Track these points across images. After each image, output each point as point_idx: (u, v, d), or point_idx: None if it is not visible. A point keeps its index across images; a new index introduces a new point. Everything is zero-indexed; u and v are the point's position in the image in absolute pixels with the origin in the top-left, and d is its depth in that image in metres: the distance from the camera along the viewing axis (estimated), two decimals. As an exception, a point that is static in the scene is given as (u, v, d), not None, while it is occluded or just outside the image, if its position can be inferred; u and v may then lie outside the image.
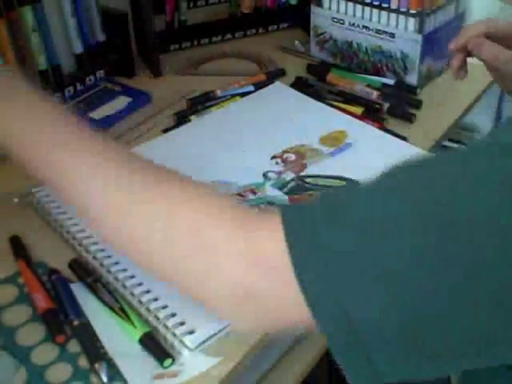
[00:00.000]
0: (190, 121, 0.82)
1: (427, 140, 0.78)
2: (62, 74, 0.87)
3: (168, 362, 0.49)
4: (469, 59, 0.67)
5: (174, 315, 0.53)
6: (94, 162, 0.45)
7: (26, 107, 0.49)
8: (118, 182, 0.44)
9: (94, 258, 0.59)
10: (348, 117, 0.81)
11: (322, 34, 0.95)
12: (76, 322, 0.53)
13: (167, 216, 0.42)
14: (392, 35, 0.87)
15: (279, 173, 0.71)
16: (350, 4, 0.90)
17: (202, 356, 0.51)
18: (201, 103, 0.86)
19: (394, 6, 0.86)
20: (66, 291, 0.56)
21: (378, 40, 0.89)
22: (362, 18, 0.90)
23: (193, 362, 0.50)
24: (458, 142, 0.95)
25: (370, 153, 0.74)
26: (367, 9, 0.89)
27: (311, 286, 0.35)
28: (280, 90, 0.88)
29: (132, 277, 0.56)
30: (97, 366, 0.49)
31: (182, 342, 0.51)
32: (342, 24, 0.92)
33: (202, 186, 0.45)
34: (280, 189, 0.68)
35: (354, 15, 0.90)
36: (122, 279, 0.56)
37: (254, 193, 0.67)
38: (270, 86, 0.89)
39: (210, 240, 0.40)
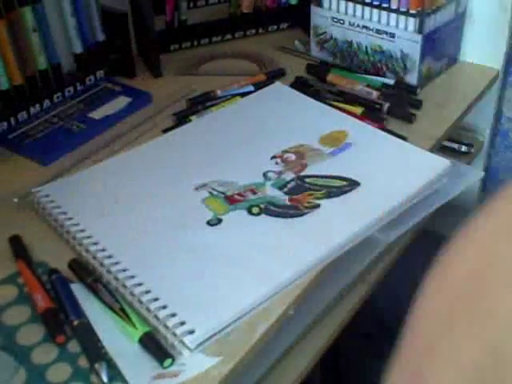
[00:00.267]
0: (190, 121, 0.82)
1: (427, 140, 0.78)
2: (62, 73, 0.87)
3: (168, 362, 0.49)
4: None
5: (174, 315, 0.53)
6: None
7: None
8: None
9: (94, 258, 0.59)
10: (348, 117, 0.81)
11: (321, 33, 0.95)
12: (76, 322, 0.53)
13: None
14: (392, 35, 0.87)
15: (279, 173, 0.71)
16: (350, 4, 0.90)
17: (201, 356, 0.51)
18: (201, 103, 0.86)
19: (394, 6, 0.86)
20: (65, 291, 0.56)
21: (378, 40, 0.89)
22: (362, 17, 0.90)
23: (193, 361, 0.50)
24: (458, 142, 0.95)
25: (370, 153, 0.74)
26: (367, 9, 0.89)
27: None
28: (280, 90, 0.88)
29: (132, 277, 0.56)
30: (97, 366, 0.49)
31: (182, 341, 0.51)
32: (342, 24, 0.92)
33: None
34: (280, 189, 0.68)
35: (354, 15, 0.90)
36: (122, 279, 0.56)
37: (254, 193, 0.67)
38: (270, 86, 0.88)
39: None
